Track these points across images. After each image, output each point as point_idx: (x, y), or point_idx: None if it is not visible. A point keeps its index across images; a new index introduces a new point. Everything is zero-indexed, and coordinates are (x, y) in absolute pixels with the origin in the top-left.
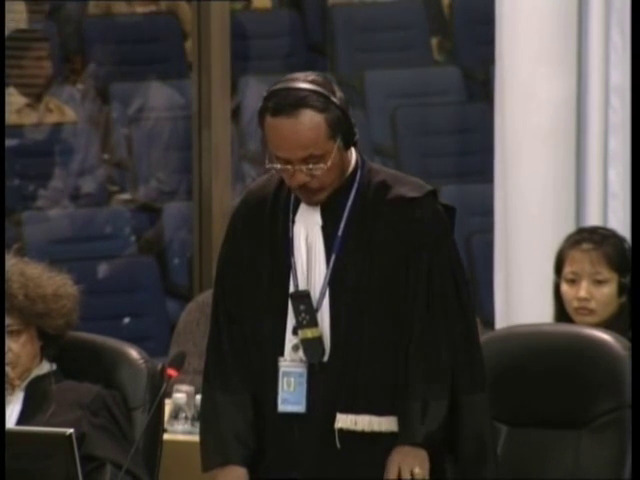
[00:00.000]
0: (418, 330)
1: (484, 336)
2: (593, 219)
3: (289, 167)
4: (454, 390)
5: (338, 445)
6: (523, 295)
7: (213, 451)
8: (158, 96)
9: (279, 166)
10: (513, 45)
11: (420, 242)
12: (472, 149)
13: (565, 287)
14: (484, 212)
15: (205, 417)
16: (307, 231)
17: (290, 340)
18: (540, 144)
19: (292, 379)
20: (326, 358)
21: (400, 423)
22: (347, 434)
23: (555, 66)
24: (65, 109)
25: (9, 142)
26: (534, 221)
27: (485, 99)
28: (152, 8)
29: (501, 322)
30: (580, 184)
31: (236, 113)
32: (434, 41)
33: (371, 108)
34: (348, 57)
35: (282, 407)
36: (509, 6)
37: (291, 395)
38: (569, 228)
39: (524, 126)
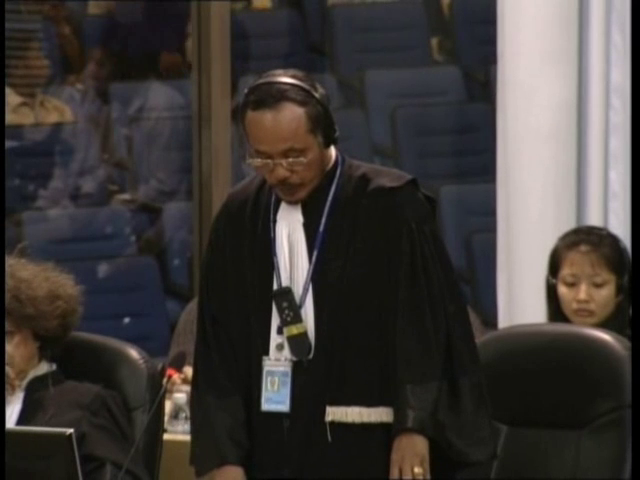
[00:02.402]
0: (402, 313)
1: (484, 336)
2: (594, 219)
3: (269, 162)
4: (452, 372)
5: (329, 438)
6: (525, 295)
7: (208, 454)
8: (158, 96)
9: (259, 161)
10: (514, 45)
11: (401, 228)
12: (472, 149)
13: (563, 289)
14: (484, 212)
15: (196, 421)
16: (289, 229)
17: (275, 339)
18: (541, 144)
19: (276, 378)
20: (312, 354)
21: (393, 410)
22: (337, 427)
23: (556, 66)
24: (65, 109)
25: (9, 142)
26: (535, 221)
27: (485, 99)
28: None
29: (504, 322)
30: (581, 184)
31: (236, 113)
32: (434, 41)
33: (371, 108)
34: (348, 57)
35: (266, 406)
36: (510, 6)
37: (275, 394)
38: (570, 228)
39: (525, 126)
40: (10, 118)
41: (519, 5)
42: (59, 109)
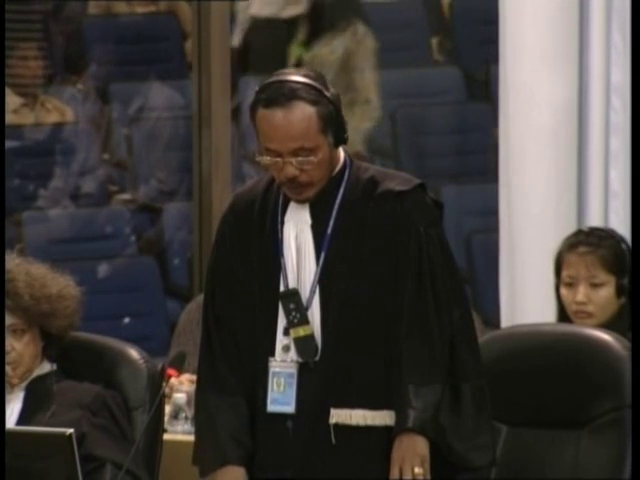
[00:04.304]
0: (408, 316)
1: (484, 336)
2: (594, 219)
3: (279, 160)
4: (455, 376)
5: (333, 440)
6: (527, 295)
7: (210, 454)
8: (158, 96)
9: (269, 159)
10: (516, 45)
11: (409, 232)
12: (472, 149)
13: (564, 290)
14: (484, 212)
15: (199, 421)
16: (297, 230)
17: (281, 340)
18: (542, 144)
19: (282, 379)
20: (318, 356)
21: (395, 410)
22: (341, 430)
23: (557, 67)
24: (65, 109)
25: (9, 142)
26: (537, 221)
27: (485, 99)
28: (152, 8)
29: (506, 322)
30: (581, 184)
31: (236, 113)
32: (434, 41)
33: None
34: None
35: (271, 407)
36: (512, 7)
37: (281, 395)
38: (571, 228)
39: (526, 126)
40: (10, 118)
41: (520, 5)
42: (59, 109)
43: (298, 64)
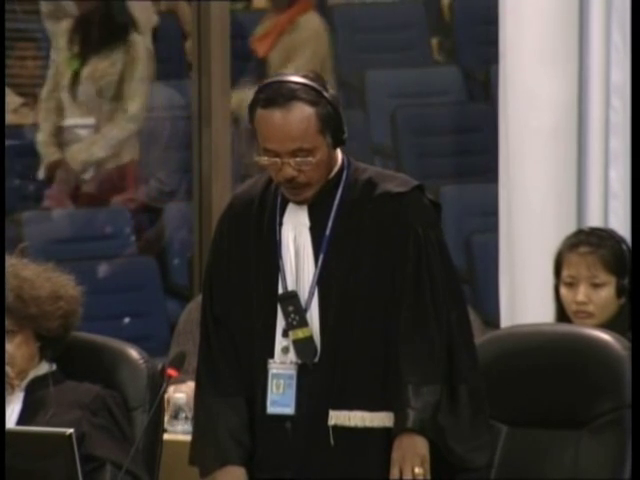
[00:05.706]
0: (407, 317)
1: (484, 336)
2: (594, 219)
3: (277, 160)
4: (452, 378)
5: (332, 442)
6: (527, 295)
7: (210, 454)
8: (158, 96)
9: (267, 159)
10: (515, 45)
11: (407, 234)
12: (472, 149)
13: (564, 290)
14: (484, 212)
15: (199, 421)
16: (295, 232)
17: (280, 342)
18: (542, 144)
19: (281, 381)
20: (317, 357)
21: (394, 410)
22: (340, 431)
23: (556, 66)
24: None
25: (9, 142)
26: (536, 221)
27: (485, 99)
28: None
29: (506, 323)
30: (581, 184)
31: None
32: (434, 41)
33: (371, 108)
34: (348, 57)
35: (271, 409)
36: (512, 6)
37: (280, 397)
38: (571, 228)
39: (526, 126)
40: (10, 118)
41: (520, 5)
42: None
43: (75, 77)
